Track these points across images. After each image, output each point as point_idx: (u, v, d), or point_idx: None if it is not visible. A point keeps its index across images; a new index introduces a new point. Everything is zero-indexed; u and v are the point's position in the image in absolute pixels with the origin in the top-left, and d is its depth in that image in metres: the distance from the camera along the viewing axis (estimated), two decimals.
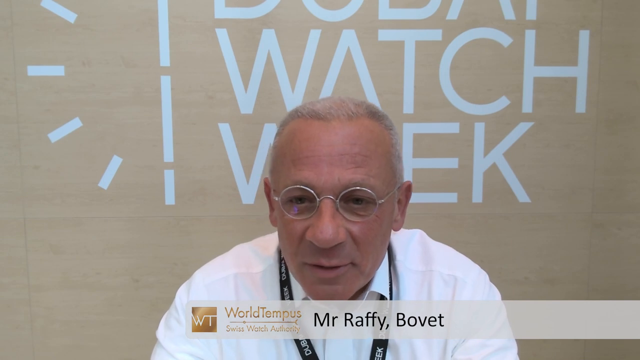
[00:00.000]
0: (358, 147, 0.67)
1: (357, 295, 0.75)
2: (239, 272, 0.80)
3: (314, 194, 0.66)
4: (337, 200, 0.66)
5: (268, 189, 0.76)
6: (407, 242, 0.82)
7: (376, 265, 0.73)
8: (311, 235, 0.66)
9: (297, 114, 0.71)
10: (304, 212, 0.68)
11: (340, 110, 0.69)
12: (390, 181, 0.70)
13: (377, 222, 0.69)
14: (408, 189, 0.77)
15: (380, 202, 0.68)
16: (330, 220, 0.65)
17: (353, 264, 0.69)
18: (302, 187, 0.66)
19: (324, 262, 0.67)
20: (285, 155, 0.69)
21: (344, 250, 0.68)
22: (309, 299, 0.75)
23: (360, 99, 0.74)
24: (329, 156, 0.66)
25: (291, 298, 0.77)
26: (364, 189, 0.66)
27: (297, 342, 0.77)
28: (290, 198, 0.68)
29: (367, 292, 0.75)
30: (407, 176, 1.56)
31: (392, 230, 0.76)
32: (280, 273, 0.79)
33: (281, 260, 0.79)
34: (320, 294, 0.70)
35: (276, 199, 0.70)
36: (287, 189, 0.67)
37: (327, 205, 0.66)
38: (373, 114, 0.71)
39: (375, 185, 0.67)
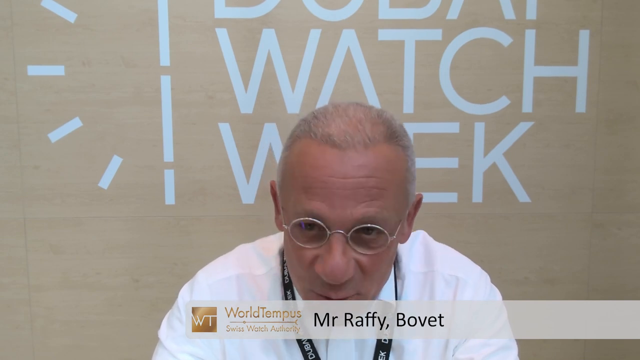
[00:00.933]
0: (374, 180, 0.64)
1: None
2: (242, 272, 0.80)
3: (325, 227, 0.64)
4: (348, 235, 0.64)
5: (274, 192, 0.75)
6: (411, 244, 0.82)
7: (381, 286, 0.73)
8: (321, 270, 0.65)
9: (310, 133, 0.66)
10: (314, 240, 0.66)
11: (356, 136, 0.64)
12: (402, 209, 0.69)
13: (386, 252, 0.68)
14: (419, 203, 0.75)
15: (392, 238, 0.66)
16: (341, 257, 0.64)
17: (359, 293, 0.69)
18: (313, 219, 0.64)
19: (332, 295, 0.67)
20: (295, 177, 0.67)
21: (352, 283, 0.67)
22: None
23: (376, 111, 0.69)
24: (343, 189, 0.63)
25: (294, 300, 0.77)
26: (376, 227, 0.64)
27: (300, 342, 0.77)
28: (300, 224, 0.66)
29: (375, 301, 0.75)
30: None
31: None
32: (283, 276, 0.79)
33: (284, 262, 0.79)
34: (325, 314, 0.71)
35: (285, 227, 0.68)
36: (297, 219, 0.65)
37: (338, 240, 0.64)
38: (390, 136, 0.67)
39: (388, 218, 0.65)
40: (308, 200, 0.64)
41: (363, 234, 0.65)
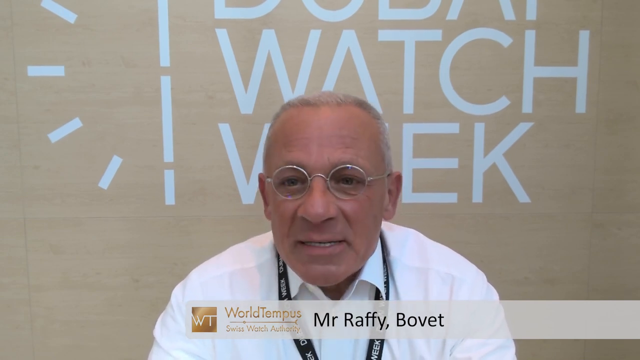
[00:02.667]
0: (347, 130, 0.70)
1: (348, 284, 0.75)
2: (234, 269, 0.81)
3: (305, 173, 0.68)
4: (328, 179, 0.68)
5: (262, 185, 0.78)
6: (403, 240, 0.82)
7: (370, 247, 0.74)
8: (303, 211, 0.68)
9: (288, 105, 0.75)
10: (296, 192, 0.69)
11: (330, 97, 0.73)
12: (379, 165, 0.72)
13: (367, 201, 0.70)
14: (398, 180, 0.78)
15: (369, 179, 0.69)
16: (321, 196, 0.67)
17: (347, 242, 0.70)
18: (293, 166, 0.68)
19: (316, 237, 0.68)
20: (277, 140, 0.72)
21: (336, 226, 0.69)
22: (306, 288, 0.75)
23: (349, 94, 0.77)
24: (319, 138, 0.69)
25: (288, 291, 0.77)
26: (354, 167, 0.68)
27: (297, 341, 0.77)
28: (283, 180, 0.70)
29: (357, 280, 0.75)
30: (407, 176, 1.56)
31: (384, 220, 0.77)
32: (278, 266, 0.79)
33: (278, 254, 0.79)
34: (314, 273, 0.70)
35: (269, 180, 0.72)
36: (278, 169, 0.69)
37: (318, 182, 0.68)
38: (360, 104, 0.75)
39: (364, 165, 0.69)
40: (288, 152, 0.69)
41: (342, 183, 0.69)
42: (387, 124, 0.78)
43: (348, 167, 0.68)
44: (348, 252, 0.70)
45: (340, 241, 0.70)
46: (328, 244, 0.69)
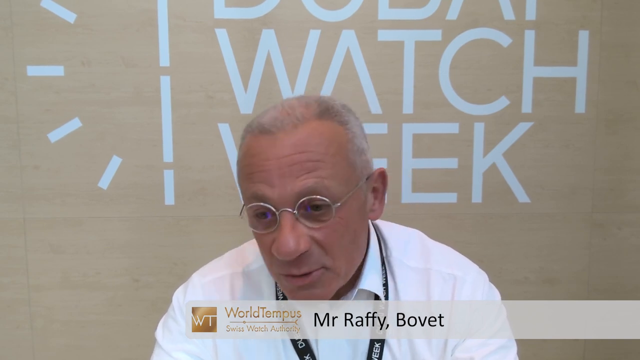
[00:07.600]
0: (306, 154, 0.66)
1: (345, 292, 0.75)
2: (235, 271, 0.81)
3: (272, 208, 0.66)
4: (295, 211, 0.66)
5: None
6: (407, 240, 0.82)
7: (352, 263, 0.73)
8: (275, 250, 0.67)
9: (249, 129, 0.72)
10: (270, 225, 0.68)
11: (286, 120, 0.68)
12: (349, 178, 0.69)
13: (340, 223, 0.68)
14: (381, 176, 0.75)
15: (336, 205, 0.67)
16: (290, 233, 0.65)
17: (325, 268, 0.69)
18: (260, 203, 0.67)
19: (295, 271, 0.68)
20: (241, 170, 0.72)
21: (312, 257, 0.67)
22: None
23: (315, 96, 0.73)
24: (278, 169, 0.66)
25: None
26: (319, 197, 0.66)
27: (294, 341, 0.77)
28: (256, 213, 0.69)
29: (356, 290, 0.74)
30: (407, 176, 1.56)
31: (377, 219, 0.76)
32: None
33: None
34: (301, 298, 0.71)
35: (240, 217, 0.72)
36: (248, 205, 0.69)
37: (285, 217, 0.66)
38: (322, 113, 0.70)
39: (331, 187, 0.67)
40: (251, 185, 0.68)
41: (310, 209, 0.67)
42: (359, 121, 0.73)
43: (313, 197, 0.65)
44: (328, 275, 0.69)
45: (318, 268, 0.69)
46: (308, 274, 0.68)
